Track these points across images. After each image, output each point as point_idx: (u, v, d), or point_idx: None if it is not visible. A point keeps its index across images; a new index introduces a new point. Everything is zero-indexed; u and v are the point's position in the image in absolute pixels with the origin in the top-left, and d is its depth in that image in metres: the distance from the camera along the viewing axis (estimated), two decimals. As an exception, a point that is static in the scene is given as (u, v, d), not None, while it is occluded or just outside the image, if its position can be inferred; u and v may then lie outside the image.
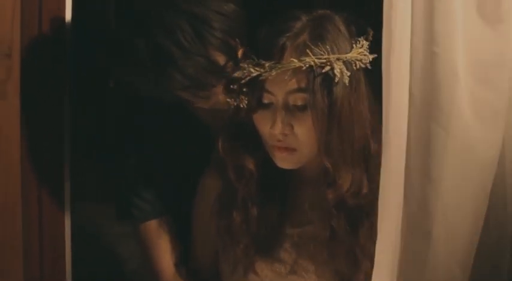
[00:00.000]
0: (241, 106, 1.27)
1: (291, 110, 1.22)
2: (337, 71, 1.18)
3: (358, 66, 1.23)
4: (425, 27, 1.07)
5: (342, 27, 1.25)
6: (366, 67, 1.23)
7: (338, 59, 1.19)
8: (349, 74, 1.21)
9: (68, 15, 1.39)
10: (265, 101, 1.25)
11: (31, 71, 1.35)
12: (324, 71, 1.19)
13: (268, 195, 1.33)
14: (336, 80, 1.19)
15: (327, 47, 1.20)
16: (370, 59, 1.23)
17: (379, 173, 1.10)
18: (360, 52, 1.22)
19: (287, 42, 1.22)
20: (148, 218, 1.55)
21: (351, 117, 1.23)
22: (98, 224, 1.93)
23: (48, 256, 1.41)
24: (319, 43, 1.20)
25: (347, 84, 1.21)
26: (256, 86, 1.23)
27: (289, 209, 1.35)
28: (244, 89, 1.26)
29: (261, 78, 1.22)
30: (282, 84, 1.21)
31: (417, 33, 1.07)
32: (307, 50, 1.19)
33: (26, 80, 1.33)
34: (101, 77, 1.60)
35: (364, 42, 1.24)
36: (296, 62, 1.19)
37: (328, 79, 1.20)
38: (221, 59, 1.28)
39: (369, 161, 1.28)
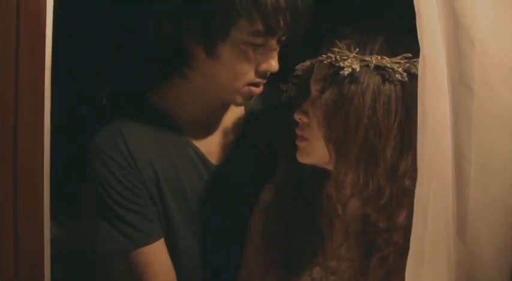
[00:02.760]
0: (291, 95, 1.32)
1: (312, 98, 1.25)
2: (354, 66, 1.19)
3: (390, 77, 1.21)
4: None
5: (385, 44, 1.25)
6: (401, 79, 1.20)
7: (362, 60, 1.21)
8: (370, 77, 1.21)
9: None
10: None
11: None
12: (342, 65, 1.21)
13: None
14: (350, 76, 1.20)
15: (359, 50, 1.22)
16: (400, 71, 1.20)
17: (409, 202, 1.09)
18: (391, 61, 1.21)
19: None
20: (142, 243, 1.42)
21: (363, 121, 1.21)
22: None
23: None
24: (357, 49, 1.22)
25: (366, 86, 1.20)
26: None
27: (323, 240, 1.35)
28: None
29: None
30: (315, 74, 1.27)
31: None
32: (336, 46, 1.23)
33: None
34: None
35: (401, 61, 1.22)
36: (324, 57, 1.24)
37: (342, 75, 1.21)
38: None
39: (396, 182, 1.24)
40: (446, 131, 1.05)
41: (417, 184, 1.06)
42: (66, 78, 1.63)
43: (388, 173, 1.23)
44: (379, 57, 1.21)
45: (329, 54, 1.24)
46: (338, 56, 1.22)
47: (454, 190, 1.07)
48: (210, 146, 1.48)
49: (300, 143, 1.29)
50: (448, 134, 1.05)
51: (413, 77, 1.17)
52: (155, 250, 1.43)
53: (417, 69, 1.12)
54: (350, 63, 1.20)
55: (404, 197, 1.23)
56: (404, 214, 1.25)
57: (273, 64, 1.34)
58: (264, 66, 1.34)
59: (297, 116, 1.28)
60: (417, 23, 1.03)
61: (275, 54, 1.35)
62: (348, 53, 1.22)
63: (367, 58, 1.21)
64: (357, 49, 1.22)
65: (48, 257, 1.26)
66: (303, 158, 1.30)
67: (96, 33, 1.87)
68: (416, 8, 1.02)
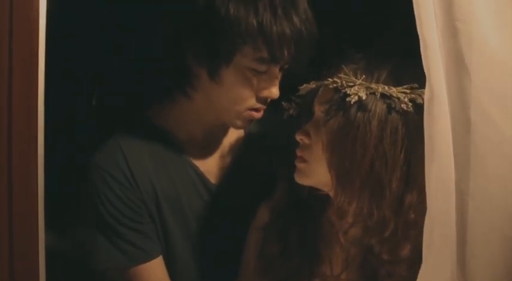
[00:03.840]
0: (293, 114, 1.32)
1: (316, 119, 1.24)
2: (360, 94, 1.18)
3: (396, 106, 1.20)
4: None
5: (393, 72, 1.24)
6: (406, 109, 1.19)
7: (368, 88, 1.20)
8: (374, 104, 1.20)
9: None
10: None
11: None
12: (348, 92, 1.20)
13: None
14: (357, 103, 1.19)
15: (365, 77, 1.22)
16: (406, 101, 1.19)
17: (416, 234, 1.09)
18: (397, 90, 1.20)
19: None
20: (141, 260, 1.41)
21: (369, 150, 1.19)
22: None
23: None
24: (363, 76, 1.22)
25: (373, 114, 1.19)
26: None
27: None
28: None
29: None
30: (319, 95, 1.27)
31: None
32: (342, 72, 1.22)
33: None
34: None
35: (407, 90, 1.21)
36: (329, 81, 1.23)
37: (349, 102, 1.19)
38: None
39: (402, 215, 1.22)
40: (451, 162, 1.05)
41: (426, 216, 1.07)
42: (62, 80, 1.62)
43: (393, 205, 1.21)
44: (386, 86, 1.20)
45: (335, 79, 1.23)
46: (344, 82, 1.21)
47: (455, 219, 1.07)
48: (210, 166, 1.47)
49: (299, 164, 1.27)
50: (452, 164, 1.05)
51: (418, 108, 1.16)
52: (154, 267, 1.42)
53: (423, 99, 1.11)
54: (356, 91, 1.19)
55: (410, 230, 1.21)
56: (408, 247, 1.24)
57: (274, 91, 1.34)
58: (265, 93, 1.34)
59: (298, 137, 1.27)
60: (422, 53, 1.04)
61: (277, 82, 1.35)
62: (354, 79, 1.21)
63: (374, 86, 1.20)
64: (363, 76, 1.22)
65: (43, 262, 1.24)
66: (300, 180, 1.28)
67: (98, 41, 1.88)
68: (421, 41, 1.04)
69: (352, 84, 1.20)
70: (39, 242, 1.24)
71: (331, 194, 1.27)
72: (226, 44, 1.27)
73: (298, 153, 1.27)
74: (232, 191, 1.46)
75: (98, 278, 1.45)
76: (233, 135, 1.50)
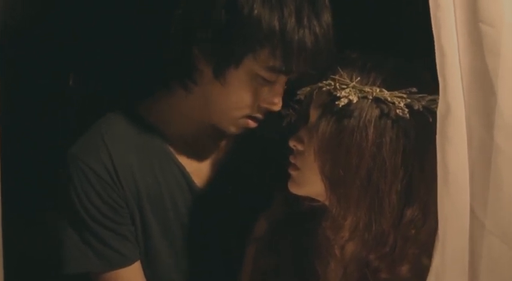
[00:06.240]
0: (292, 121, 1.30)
1: (310, 125, 1.21)
2: (351, 98, 1.13)
3: (390, 112, 1.13)
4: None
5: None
6: (398, 114, 1.13)
7: (361, 91, 1.14)
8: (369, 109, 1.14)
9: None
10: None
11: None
12: (340, 94, 1.14)
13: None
14: (347, 107, 1.14)
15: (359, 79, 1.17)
16: (402, 106, 1.13)
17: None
18: (392, 95, 1.13)
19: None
20: (118, 265, 1.35)
21: (366, 159, 1.13)
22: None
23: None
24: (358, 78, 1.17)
25: (368, 120, 1.13)
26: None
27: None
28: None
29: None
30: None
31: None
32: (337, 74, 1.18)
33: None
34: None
35: (404, 95, 1.14)
36: (323, 84, 1.19)
37: (342, 102, 1.15)
38: None
39: (401, 230, 1.17)
40: (467, 186, 0.99)
41: (436, 239, 1.02)
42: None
43: (392, 219, 1.16)
44: (379, 90, 1.14)
45: (329, 81, 1.18)
46: (338, 85, 1.16)
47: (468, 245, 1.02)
48: (197, 167, 1.41)
49: (292, 172, 1.23)
50: (468, 188, 1.00)
51: (416, 115, 1.11)
52: (131, 273, 1.36)
53: (421, 105, 1.09)
54: (347, 93, 1.14)
55: (410, 247, 1.16)
56: (407, 266, 1.18)
57: (277, 104, 1.30)
58: (266, 104, 1.30)
59: (292, 143, 1.22)
60: (438, 62, 0.96)
61: (281, 94, 1.30)
62: (347, 81, 1.16)
63: (367, 89, 1.14)
64: (358, 78, 1.16)
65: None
66: (293, 189, 1.24)
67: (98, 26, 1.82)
68: (437, 47, 0.94)
69: (345, 86, 1.16)
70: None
71: (326, 202, 1.22)
72: (242, 45, 1.22)
73: (291, 160, 1.23)
74: (218, 195, 1.41)
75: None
76: (224, 138, 1.44)
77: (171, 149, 1.38)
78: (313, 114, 1.21)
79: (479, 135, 0.95)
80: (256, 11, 1.20)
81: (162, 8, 1.36)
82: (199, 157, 1.42)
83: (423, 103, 1.11)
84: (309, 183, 1.21)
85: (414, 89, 1.12)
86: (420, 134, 1.07)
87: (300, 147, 1.21)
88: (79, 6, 1.79)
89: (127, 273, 1.35)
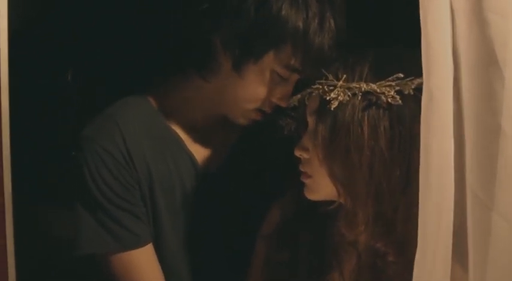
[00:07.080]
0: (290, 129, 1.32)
1: (309, 132, 1.22)
2: (340, 98, 1.15)
3: (382, 102, 1.14)
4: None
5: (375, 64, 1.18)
6: (390, 102, 1.14)
7: (349, 88, 1.15)
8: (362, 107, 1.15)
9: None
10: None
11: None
12: (329, 97, 1.16)
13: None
14: (340, 107, 1.15)
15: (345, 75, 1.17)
16: (392, 94, 1.13)
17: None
18: (380, 85, 1.14)
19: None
20: (133, 245, 1.35)
21: (365, 154, 1.15)
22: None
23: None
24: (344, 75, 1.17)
25: (362, 116, 1.15)
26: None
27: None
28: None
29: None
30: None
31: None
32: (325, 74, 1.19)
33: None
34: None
35: (393, 83, 1.15)
36: (312, 89, 1.20)
37: (333, 104, 1.16)
38: None
39: (405, 210, 1.17)
40: (451, 174, 0.99)
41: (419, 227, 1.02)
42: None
43: (397, 205, 1.17)
44: (365, 84, 1.15)
45: (317, 85, 1.19)
46: (326, 87, 1.17)
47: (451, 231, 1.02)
48: (205, 156, 1.43)
49: (305, 180, 1.24)
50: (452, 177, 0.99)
51: (408, 98, 1.12)
52: (146, 254, 1.37)
53: (411, 89, 1.10)
54: (337, 94, 1.15)
55: (412, 228, 1.14)
56: (412, 246, 1.17)
57: (285, 99, 1.33)
58: (276, 100, 1.34)
59: (297, 153, 1.24)
60: (423, 51, 0.96)
61: (291, 89, 1.33)
62: (335, 82, 1.17)
63: (355, 85, 1.15)
64: (344, 76, 1.17)
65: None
66: (310, 196, 1.25)
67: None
68: (423, 37, 0.94)
69: (333, 88, 1.17)
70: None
71: (343, 201, 1.24)
72: (265, 42, 1.26)
73: (301, 169, 1.24)
74: (224, 185, 1.43)
75: (77, 266, 1.41)
76: (234, 130, 1.45)
77: (182, 138, 1.40)
78: (310, 121, 1.22)
79: (487, 120, 0.95)
80: (284, 11, 1.24)
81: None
82: (206, 146, 1.43)
83: (413, 87, 1.12)
84: (324, 187, 1.22)
85: (401, 75, 1.13)
86: (415, 116, 1.07)
87: (306, 155, 1.22)
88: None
89: (142, 254, 1.35)
